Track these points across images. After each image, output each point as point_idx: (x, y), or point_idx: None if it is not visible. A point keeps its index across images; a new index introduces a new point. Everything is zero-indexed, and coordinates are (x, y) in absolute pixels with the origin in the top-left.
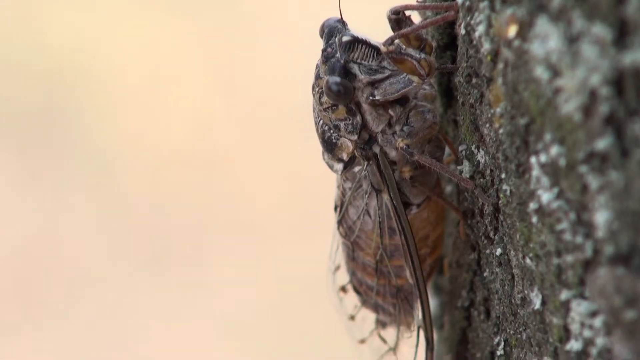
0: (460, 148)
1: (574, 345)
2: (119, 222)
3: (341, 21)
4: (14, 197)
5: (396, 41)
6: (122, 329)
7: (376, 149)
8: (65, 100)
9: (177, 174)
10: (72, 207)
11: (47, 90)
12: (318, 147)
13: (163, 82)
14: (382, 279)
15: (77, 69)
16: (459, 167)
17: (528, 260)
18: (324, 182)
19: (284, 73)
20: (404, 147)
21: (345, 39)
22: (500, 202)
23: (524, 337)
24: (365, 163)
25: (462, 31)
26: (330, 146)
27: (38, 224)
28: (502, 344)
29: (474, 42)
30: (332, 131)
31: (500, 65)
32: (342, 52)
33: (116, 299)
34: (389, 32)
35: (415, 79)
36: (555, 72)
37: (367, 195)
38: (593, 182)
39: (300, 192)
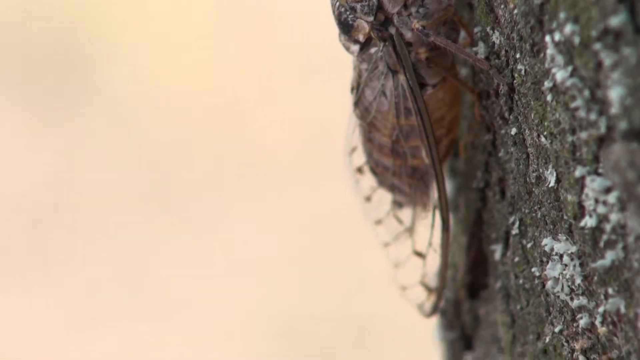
0: (475, 30)
1: (589, 221)
2: (135, 167)
3: None
4: (31, 141)
5: None
6: (134, 271)
7: (392, 30)
8: (82, 47)
9: (192, 121)
10: (89, 152)
11: (65, 37)
12: (332, 92)
13: (179, 30)
14: (399, 159)
15: (94, 16)
16: (474, 49)
17: (543, 139)
18: (339, 126)
19: (299, 19)
20: (420, 28)
21: None
22: (515, 81)
23: (539, 215)
24: (382, 44)
25: None
26: (346, 28)
27: (54, 167)
28: (517, 223)
29: None
30: (348, 12)
31: None
32: None
33: (130, 242)
34: None
35: None
36: None
37: (383, 76)
38: (607, 59)
39: (316, 137)
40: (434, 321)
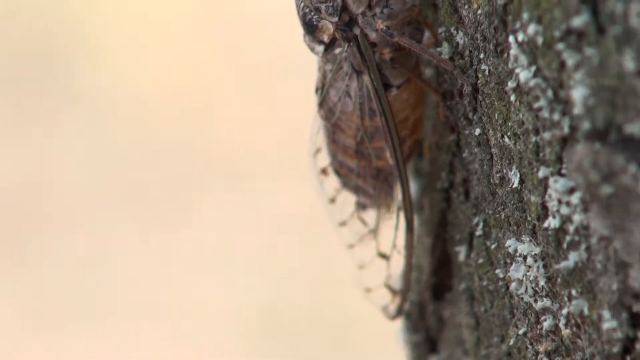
0: (439, 30)
1: (552, 222)
2: (109, 163)
3: None
4: (4, 137)
5: None
6: (108, 268)
7: (356, 31)
8: (56, 46)
9: (166, 119)
10: (60, 151)
11: (39, 36)
12: (306, 88)
13: (153, 29)
14: (363, 160)
15: (69, 16)
16: (438, 49)
17: (506, 139)
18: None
19: (273, 18)
20: (384, 28)
21: None
22: (479, 82)
23: (503, 216)
24: (346, 45)
25: None
26: (311, 28)
27: (28, 164)
28: (481, 224)
29: None
30: (312, 13)
31: None
32: None
33: (104, 236)
34: None
35: None
36: None
37: (347, 77)
38: (570, 59)
39: (290, 136)
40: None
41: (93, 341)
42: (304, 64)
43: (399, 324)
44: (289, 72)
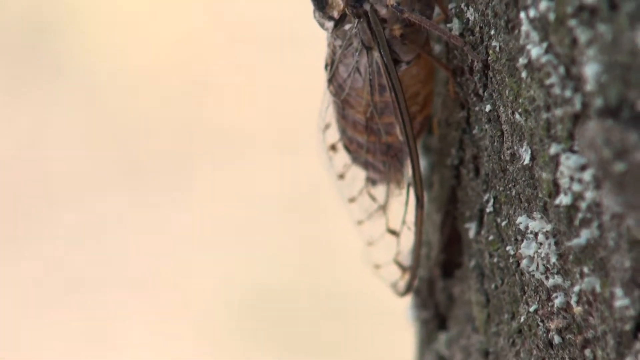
0: (449, 6)
1: (563, 199)
2: (104, 136)
3: None
4: (1, 110)
5: None
6: (104, 241)
7: (367, 7)
8: (50, 20)
9: (161, 91)
10: (59, 122)
11: (33, 9)
12: (301, 61)
13: (146, 1)
14: (373, 136)
15: None
16: (448, 25)
17: (517, 116)
18: (307, 98)
19: None
20: (394, 4)
21: None
22: (489, 58)
23: (514, 193)
24: (356, 21)
25: None
26: (321, 4)
27: (24, 137)
28: (492, 200)
29: None
30: None
31: None
32: None
33: (99, 212)
34: None
35: None
36: None
37: (357, 53)
38: (582, 35)
39: (283, 107)
40: (403, 299)
41: (88, 313)
42: (298, 37)
43: (391, 298)
44: (284, 45)
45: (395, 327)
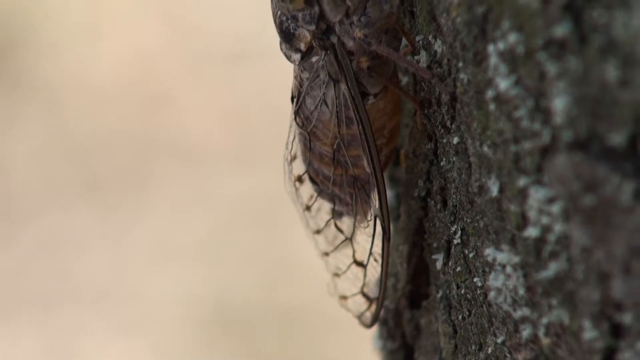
0: (417, 38)
1: (532, 232)
2: (61, 152)
3: None
4: None
5: None
6: (63, 257)
7: (334, 39)
8: (11, 33)
9: (119, 106)
10: (14, 135)
11: None
12: (258, 76)
13: (106, 16)
14: (339, 168)
15: (24, 4)
16: (416, 57)
17: (485, 148)
18: (263, 112)
19: (227, 4)
20: (362, 37)
21: None
22: (457, 90)
23: (481, 225)
24: (323, 53)
25: None
26: (288, 36)
27: None
28: (459, 232)
29: None
30: (290, 21)
31: None
32: None
33: (58, 227)
34: None
35: None
36: None
37: (324, 85)
38: (551, 68)
39: (239, 120)
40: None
41: (45, 328)
42: (255, 52)
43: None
44: (241, 60)
45: (362, 341)
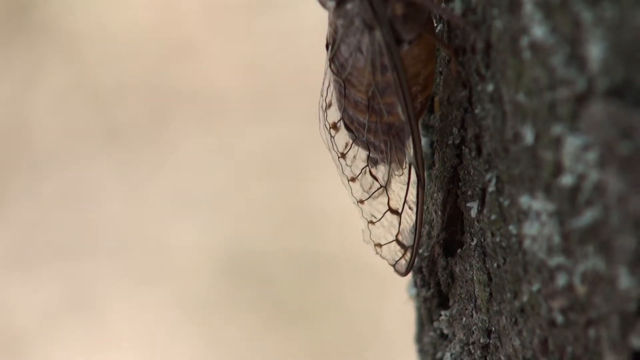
0: None
1: (567, 179)
2: (81, 103)
3: None
4: None
5: None
6: (84, 208)
7: None
8: None
9: (139, 57)
10: (36, 88)
11: None
12: (282, 24)
13: None
14: (374, 115)
15: None
16: (450, 4)
17: (520, 96)
18: (288, 63)
19: None
20: None
21: None
22: (492, 38)
23: (516, 173)
24: (358, 0)
25: None
26: None
27: (4, 104)
28: (494, 180)
29: None
30: None
31: None
32: None
33: (78, 176)
34: None
35: None
36: None
37: (359, 32)
38: (587, 14)
39: (260, 71)
40: (383, 260)
41: (66, 279)
42: (274, 3)
43: (370, 260)
44: (261, 9)
45: (380, 289)
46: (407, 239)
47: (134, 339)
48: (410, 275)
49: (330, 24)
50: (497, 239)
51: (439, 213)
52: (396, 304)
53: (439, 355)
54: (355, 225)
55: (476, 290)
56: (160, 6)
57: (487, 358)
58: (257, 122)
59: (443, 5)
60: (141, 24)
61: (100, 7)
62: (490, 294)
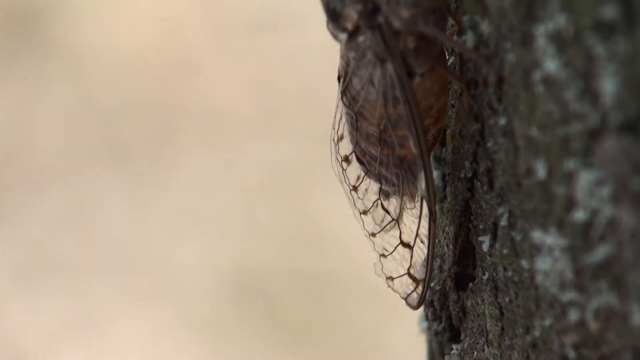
0: (464, 18)
1: (581, 215)
2: (86, 121)
3: None
4: None
5: None
6: (88, 225)
7: (381, 19)
8: (38, 3)
9: (144, 74)
10: (41, 104)
11: None
12: (286, 43)
13: None
14: (386, 148)
15: None
16: (462, 37)
17: (533, 130)
18: (292, 82)
19: None
20: (408, 17)
21: None
22: (504, 71)
23: (529, 207)
24: (370, 33)
25: None
26: (334, 16)
27: (6, 119)
28: (506, 214)
29: None
30: (337, 1)
31: None
32: None
33: (82, 194)
34: None
35: None
36: None
37: (371, 65)
38: (601, 49)
39: (265, 90)
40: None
41: (70, 297)
42: (280, 21)
43: (377, 282)
44: (266, 28)
45: (385, 308)
46: (419, 273)
47: (138, 358)
48: (421, 308)
49: (342, 57)
50: (509, 274)
51: (451, 247)
52: (401, 323)
53: None
54: (360, 244)
55: (488, 325)
56: (166, 25)
57: None
58: (262, 141)
59: (455, 38)
60: (146, 43)
61: (106, 25)
62: (502, 329)
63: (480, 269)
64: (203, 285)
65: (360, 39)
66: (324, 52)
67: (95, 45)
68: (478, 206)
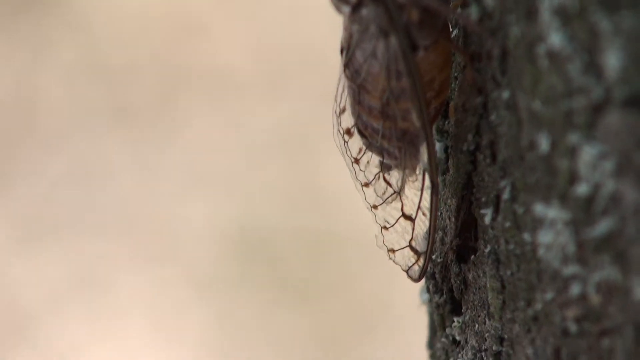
0: None
1: (583, 188)
2: (91, 80)
3: None
4: None
5: None
6: (91, 185)
7: None
8: None
9: (150, 35)
10: (46, 64)
11: None
12: (293, 9)
13: None
14: (388, 121)
15: None
16: (467, 10)
17: (537, 103)
18: (297, 41)
19: None
20: None
21: None
22: (508, 44)
23: (532, 180)
24: (373, 6)
25: None
26: None
27: (11, 79)
28: (509, 187)
29: None
30: None
31: None
32: None
33: (87, 153)
34: None
35: None
36: None
37: (374, 38)
38: (605, 23)
39: (273, 50)
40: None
41: (73, 256)
42: None
43: (373, 238)
44: None
45: (390, 270)
46: (421, 245)
47: (142, 316)
48: (423, 280)
49: (345, 29)
50: (511, 247)
51: (453, 219)
52: (405, 285)
53: None
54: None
55: (489, 298)
56: None
57: None
58: (267, 100)
59: (459, 10)
60: (151, 2)
61: None
62: (504, 302)
63: (482, 241)
64: (207, 244)
65: (364, 11)
66: (326, 10)
67: (99, 5)
68: (480, 179)
